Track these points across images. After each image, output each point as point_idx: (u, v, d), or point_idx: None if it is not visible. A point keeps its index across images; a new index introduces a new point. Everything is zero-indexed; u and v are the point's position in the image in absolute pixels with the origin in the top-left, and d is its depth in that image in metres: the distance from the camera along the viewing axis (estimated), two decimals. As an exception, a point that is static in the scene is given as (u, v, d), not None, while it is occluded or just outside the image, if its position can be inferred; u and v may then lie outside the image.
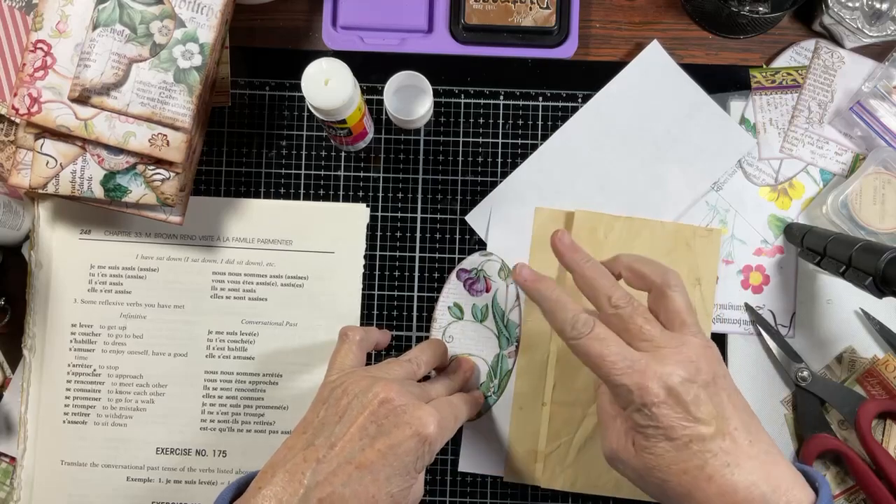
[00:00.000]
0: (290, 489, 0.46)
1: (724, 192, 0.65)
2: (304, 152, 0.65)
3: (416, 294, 0.64)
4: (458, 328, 0.64)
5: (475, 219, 0.65)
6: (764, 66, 0.66)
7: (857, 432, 0.60)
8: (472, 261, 0.64)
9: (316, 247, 0.64)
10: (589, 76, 0.65)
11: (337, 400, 0.49)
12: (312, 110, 0.56)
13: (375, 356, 0.64)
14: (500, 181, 0.65)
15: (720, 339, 0.63)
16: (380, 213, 0.65)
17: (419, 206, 0.65)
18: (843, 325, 0.63)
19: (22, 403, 0.62)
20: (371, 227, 0.65)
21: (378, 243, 0.65)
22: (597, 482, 0.62)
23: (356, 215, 0.65)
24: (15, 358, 0.63)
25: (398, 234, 0.65)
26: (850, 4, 0.62)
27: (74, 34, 0.55)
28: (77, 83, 0.54)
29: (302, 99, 0.65)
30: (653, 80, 0.65)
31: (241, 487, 0.49)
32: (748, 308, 0.64)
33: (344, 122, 0.57)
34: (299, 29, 0.67)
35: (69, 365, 0.63)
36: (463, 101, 0.66)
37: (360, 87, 0.59)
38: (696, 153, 0.64)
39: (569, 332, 0.50)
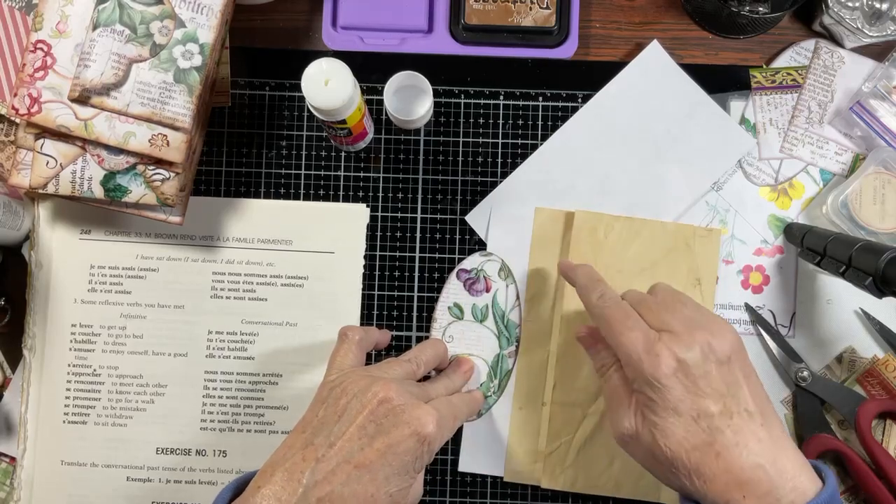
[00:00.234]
0: (289, 488, 0.46)
1: (724, 192, 0.65)
2: (304, 152, 0.65)
3: (416, 294, 0.64)
4: (458, 328, 0.64)
5: (475, 219, 0.65)
6: (764, 66, 0.66)
7: (857, 432, 0.60)
8: (472, 261, 0.64)
9: (316, 247, 0.64)
10: (589, 76, 0.65)
11: (336, 399, 0.49)
12: (312, 110, 0.56)
13: (375, 356, 0.64)
14: (500, 181, 0.65)
15: (720, 339, 0.63)
16: (380, 213, 0.65)
17: (419, 206, 0.65)
18: (843, 325, 0.63)
19: (22, 403, 0.63)
20: (371, 227, 0.65)
21: (378, 243, 0.65)
22: (597, 482, 0.62)
23: (356, 215, 0.65)
24: (15, 358, 0.64)
25: (398, 234, 0.65)
26: (850, 4, 0.62)
27: (74, 34, 0.55)
28: (77, 83, 0.54)
29: (302, 99, 0.65)
30: (653, 80, 0.65)
31: (240, 487, 0.49)
32: (748, 308, 0.64)
33: (344, 122, 0.57)
34: (299, 29, 0.67)
35: (69, 365, 0.63)
36: (463, 101, 0.66)
37: (360, 87, 0.59)
38: (696, 153, 0.64)
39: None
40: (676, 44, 0.66)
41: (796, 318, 0.64)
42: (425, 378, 0.59)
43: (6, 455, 0.63)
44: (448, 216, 0.65)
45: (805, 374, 0.62)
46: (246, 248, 0.64)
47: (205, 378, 0.63)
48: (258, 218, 0.65)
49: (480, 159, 0.65)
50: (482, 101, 0.66)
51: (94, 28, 0.54)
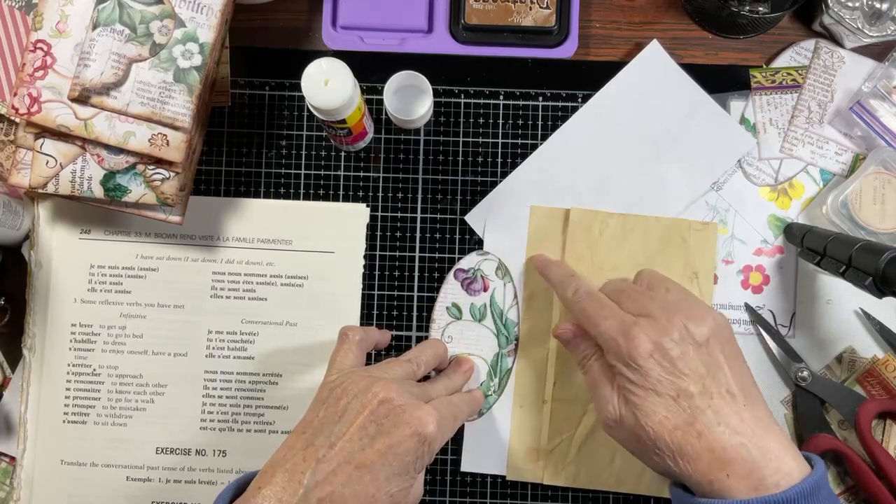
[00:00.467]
0: (290, 489, 0.46)
1: (724, 192, 0.65)
2: (304, 152, 0.65)
3: (415, 294, 0.64)
4: (456, 328, 0.64)
5: (475, 219, 0.65)
6: (764, 66, 0.66)
7: (857, 432, 0.60)
8: (469, 260, 0.64)
9: (316, 247, 0.64)
10: (589, 76, 0.65)
11: (336, 400, 0.49)
12: (312, 110, 0.56)
13: (375, 356, 0.64)
14: (500, 181, 0.65)
15: (720, 339, 0.63)
16: (380, 213, 0.65)
17: (419, 206, 0.65)
18: (843, 325, 0.63)
19: (22, 403, 0.63)
20: (371, 227, 0.65)
21: (378, 243, 0.65)
22: (599, 477, 0.62)
23: (356, 215, 0.65)
24: (15, 358, 0.64)
25: (398, 234, 0.65)
26: (850, 4, 0.62)
27: (74, 34, 0.55)
28: (77, 83, 0.54)
29: (302, 99, 0.65)
30: (652, 79, 0.65)
31: (240, 487, 0.49)
32: (748, 308, 0.64)
33: (344, 122, 0.57)
34: (299, 29, 0.67)
35: (69, 365, 0.63)
36: (463, 101, 0.66)
37: (360, 87, 0.59)
38: (695, 153, 0.64)
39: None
40: (676, 44, 0.66)
41: (796, 318, 0.64)
42: (425, 378, 0.59)
43: (6, 455, 0.63)
44: (448, 216, 0.65)
45: (805, 374, 0.62)
46: (246, 247, 0.64)
47: (205, 378, 0.63)
48: (258, 218, 0.64)
49: (480, 159, 0.65)
50: (482, 101, 0.66)
51: (94, 28, 0.54)
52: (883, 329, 0.62)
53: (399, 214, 0.65)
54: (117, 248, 0.64)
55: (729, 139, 0.64)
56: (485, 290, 0.64)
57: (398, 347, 0.64)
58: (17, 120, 0.57)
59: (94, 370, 0.63)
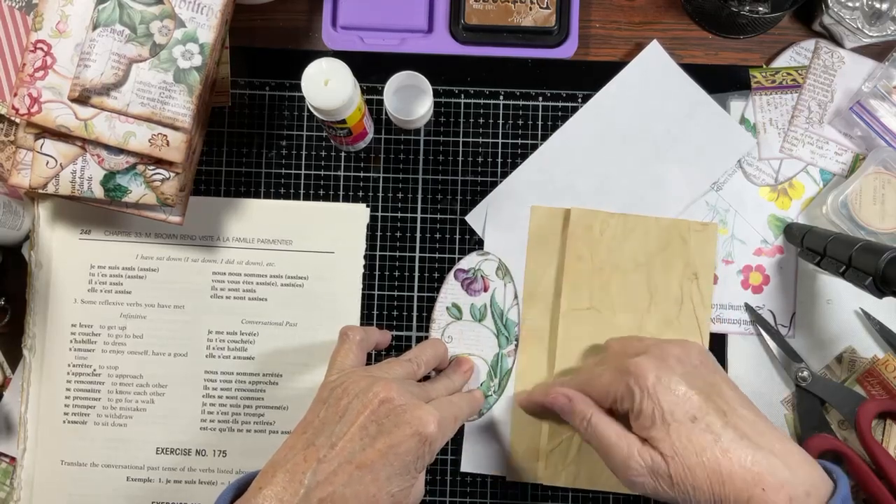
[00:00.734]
0: (291, 489, 0.46)
1: (723, 192, 0.65)
2: (304, 152, 0.65)
3: (416, 294, 0.64)
4: (456, 328, 0.64)
5: (475, 219, 0.65)
6: (764, 66, 0.66)
7: (857, 432, 0.60)
8: (469, 261, 0.64)
9: (316, 247, 0.64)
10: (589, 76, 0.65)
11: (337, 400, 0.49)
12: (312, 110, 0.56)
13: (375, 356, 0.64)
14: (500, 181, 0.65)
15: (720, 339, 0.64)
16: (380, 213, 0.65)
17: (419, 206, 0.65)
18: (843, 325, 0.63)
19: (22, 403, 0.62)
20: (371, 227, 0.65)
21: (378, 243, 0.65)
22: (598, 478, 0.62)
23: (356, 215, 0.65)
24: (15, 358, 0.63)
25: (398, 234, 0.65)
26: (850, 4, 0.62)
27: (74, 34, 0.55)
28: (77, 83, 0.54)
29: (302, 99, 0.65)
30: (652, 80, 0.65)
31: (241, 487, 0.49)
32: (748, 308, 0.64)
33: (344, 122, 0.57)
34: (299, 29, 0.67)
35: (69, 365, 0.63)
36: (463, 101, 0.66)
37: (360, 87, 0.59)
38: (695, 153, 0.64)
39: (578, 425, 0.54)
40: (676, 44, 0.66)
41: (796, 318, 0.64)
42: (425, 378, 0.59)
43: (6, 455, 0.63)
44: (448, 216, 0.65)
45: (805, 374, 0.62)
46: (246, 248, 0.64)
47: (205, 378, 0.63)
48: (258, 218, 0.64)
49: (480, 159, 0.65)
50: (482, 101, 0.66)
51: (94, 28, 0.54)
52: (883, 329, 0.62)
53: (399, 214, 0.65)
54: (117, 249, 0.64)
55: (729, 139, 0.64)
56: (485, 290, 0.64)
57: (398, 347, 0.64)
58: (18, 120, 0.57)
59: (95, 370, 0.63)
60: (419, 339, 0.64)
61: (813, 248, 0.59)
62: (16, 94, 0.54)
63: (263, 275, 0.64)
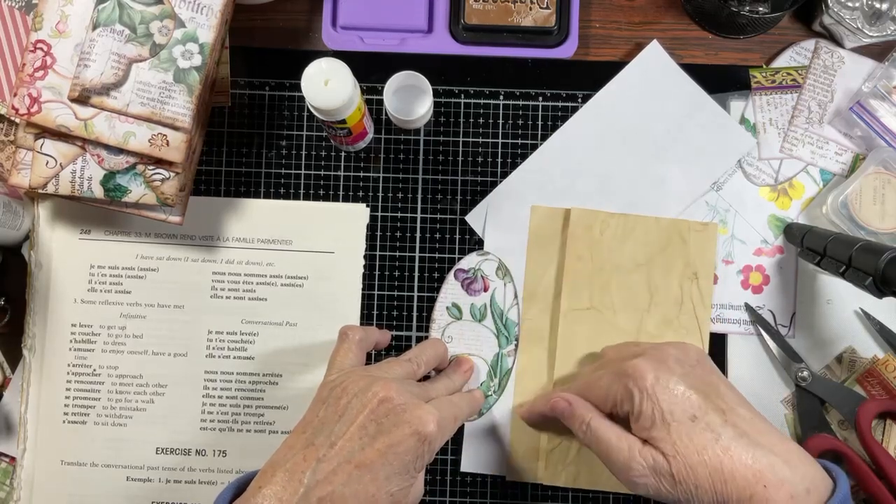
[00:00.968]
0: (290, 488, 0.46)
1: (724, 192, 0.65)
2: (304, 152, 0.65)
3: (415, 294, 0.64)
4: (456, 328, 0.64)
5: (475, 219, 0.65)
6: (764, 66, 0.66)
7: (857, 432, 0.60)
8: (469, 260, 0.64)
9: (316, 247, 0.64)
10: (589, 76, 0.65)
11: (336, 399, 0.49)
12: (312, 110, 0.56)
13: (375, 356, 0.64)
14: (500, 181, 0.65)
15: (720, 339, 0.64)
16: (380, 213, 0.65)
17: (419, 206, 0.65)
18: (843, 325, 0.63)
19: (22, 403, 0.63)
20: (371, 227, 0.65)
21: (378, 243, 0.65)
22: (598, 478, 0.62)
23: (356, 215, 0.65)
24: (15, 358, 0.64)
25: (398, 234, 0.65)
26: (850, 4, 0.62)
27: (74, 34, 0.55)
28: (77, 83, 0.54)
29: (302, 99, 0.65)
30: (652, 79, 0.65)
31: (240, 487, 0.49)
32: (748, 308, 0.64)
33: (344, 122, 0.57)
34: (299, 29, 0.67)
35: (69, 365, 0.63)
36: (463, 101, 0.66)
37: (360, 87, 0.59)
38: (695, 153, 0.64)
39: (578, 429, 0.54)
40: (676, 44, 0.66)
41: (796, 318, 0.64)
42: (425, 378, 0.59)
43: (6, 455, 0.63)
44: (448, 216, 0.65)
45: (805, 374, 0.62)
46: (246, 248, 0.64)
47: (205, 378, 0.63)
48: (258, 218, 0.64)
49: (480, 159, 0.65)
50: (482, 101, 0.66)
51: (94, 28, 0.54)
52: (883, 329, 0.62)
53: (399, 214, 0.65)
54: (117, 249, 0.64)
55: (729, 139, 0.64)
56: (485, 290, 0.64)
57: (398, 347, 0.64)
58: (17, 120, 0.57)
59: (94, 370, 0.63)
60: (419, 339, 0.64)
61: (813, 248, 0.59)
62: (16, 94, 0.55)
63: (263, 275, 0.64)
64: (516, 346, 0.63)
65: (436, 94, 0.64)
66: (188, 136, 0.56)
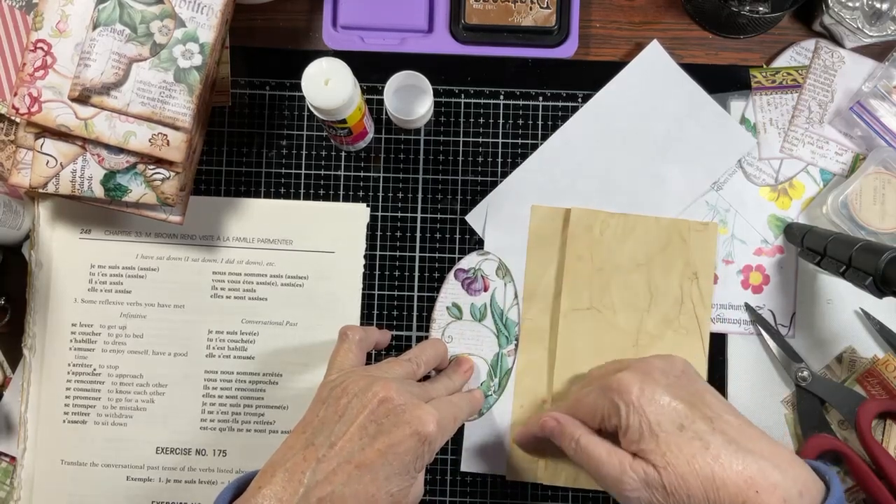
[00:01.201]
0: (290, 488, 0.46)
1: (724, 191, 0.65)
2: (304, 152, 0.65)
3: (416, 294, 0.64)
4: (456, 328, 0.64)
5: (475, 219, 0.65)
6: (764, 66, 0.66)
7: (857, 432, 0.60)
8: (469, 260, 0.64)
9: (316, 247, 0.64)
10: (589, 76, 0.65)
11: (336, 399, 0.49)
12: (312, 110, 0.56)
13: (375, 356, 0.64)
14: (500, 181, 0.65)
15: (720, 339, 0.64)
16: (380, 213, 0.65)
17: (419, 206, 0.65)
18: (843, 325, 0.63)
19: (22, 403, 0.63)
20: (371, 227, 0.65)
21: (378, 243, 0.65)
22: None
23: (356, 215, 0.65)
24: (15, 358, 0.64)
25: (398, 234, 0.65)
26: (850, 4, 0.62)
27: (74, 34, 0.55)
28: (77, 83, 0.54)
29: (302, 99, 0.65)
30: (652, 79, 0.65)
31: (240, 487, 0.49)
32: (748, 308, 0.64)
33: (344, 121, 0.57)
34: (299, 29, 0.67)
35: (69, 364, 0.63)
36: (463, 101, 0.66)
37: (360, 87, 0.59)
38: (695, 152, 0.64)
39: (567, 447, 0.54)
40: (676, 44, 0.66)
41: (796, 318, 0.64)
42: (425, 378, 0.59)
43: (6, 455, 0.63)
44: (448, 216, 0.65)
45: (805, 374, 0.62)
46: (246, 247, 0.64)
47: (205, 378, 0.63)
48: (258, 218, 0.65)
49: (480, 159, 0.65)
50: (482, 101, 0.66)
51: (95, 27, 0.54)
52: (883, 329, 0.62)
53: (399, 214, 0.65)
54: (117, 248, 0.64)
55: (729, 138, 0.64)
56: (485, 289, 0.64)
57: (398, 347, 0.64)
58: (18, 120, 0.57)
59: (95, 370, 0.63)
60: (419, 339, 0.64)
61: (813, 248, 0.59)
62: (16, 94, 0.55)
63: (263, 274, 0.64)
64: (516, 345, 0.63)
65: (436, 93, 0.64)
66: (188, 136, 0.56)
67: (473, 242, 0.65)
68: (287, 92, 0.66)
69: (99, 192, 0.57)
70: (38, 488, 0.62)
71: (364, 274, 0.64)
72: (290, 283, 0.64)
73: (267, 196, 0.65)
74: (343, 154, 0.65)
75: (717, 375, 0.63)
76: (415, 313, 0.64)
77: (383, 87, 0.61)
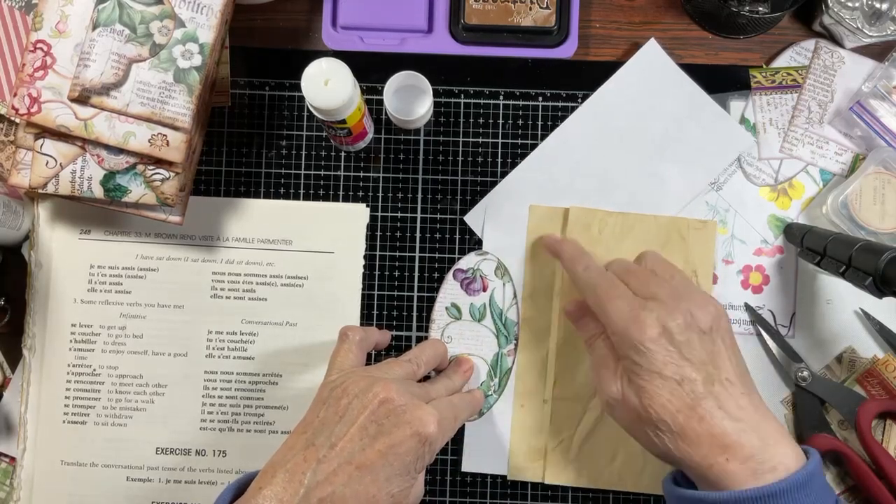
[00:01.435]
0: (291, 489, 0.46)
1: (723, 192, 0.65)
2: (304, 152, 0.65)
3: (415, 294, 0.64)
4: (456, 328, 0.64)
5: (474, 219, 0.65)
6: (764, 66, 0.66)
7: (857, 432, 0.60)
8: (468, 260, 0.64)
9: (316, 247, 0.64)
10: (589, 76, 0.65)
11: (337, 400, 0.49)
12: (312, 110, 0.56)
13: (375, 356, 0.64)
14: (500, 181, 0.65)
15: (720, 339, 0.63)
16: (380, 213, 0.65)
17: (419, 206, 0.65)
18: (843, 325, 0.63)
19: (22, 403, 0.62)
20: (371, 227, 0.65)
21: (378, 243, 0.65)
22: (600, 476, 0.62)
23: (356, 215, 0.65)
24: (15, 358, 0.64)
25: (398, 234, 0.65)
26: (850, 4, 0.62)
27: (74, 34, 0.55)
28: (77, 83, 0.54)
29: (302, 99, 0.65)
30: (650, 78, 0.65)
31: (241, 487, 0.49)
32: (748, 308, 0.64)
33: (344, 122, 0.57)
34: (299, 29, 0.67)
35: (69, 365, 0.63)
36: (463, 101, 0.66)
37: (360, 87, 0.59)
38: (694, 151, 0.64)
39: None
40: (676, 44, 0.66)
41: (796, 318, 0.64)
42: (426, 378, 0.59)
43: (6, 455, 0.63)
44: (448, 216, 0.65)
45: (805, 374, 0.62)
46: (246, 248, 0.64)
47: (205, 378, 0.63)
48: (258, 218, 0.64)
49: (480, 159, 0.65)
50: (482, 101, 0.66)
51: (94, 28, 0.54)
52: (883, 329, 0.62)
53: (399, 214, 0.65)
54: (117, 249, 0.64)
55: (727, 137, 0.64)
56: (484, 289, 0.64)
57: (398, 347, 0.64)
58: (17, 120, 0.57)
59: (94, 370, 0.63)
60: (419, 339, 0.64)
61: (813, 248, 0.59)
62: (16, 94, 0.55)
63: (263, 275, 0.64)
64: (516, 345, 0.63)
65: (436, 94, 0.64)
66: (188, 136, 0.56)
67: (473, 243, 0.65)
68: (287, 92, 0.66)
69: (98, 192, 0.57)
70: (37, 489, 0.62)
71: (364, 274, 0.64)
72: (289, 283, 0.64)
73: (267, 196, 0.65)
74: (343, 154, 0.65)
75: (717, 375, 0.63)
76: (414, 313, 0.64)
77: (383, 88, 0.61)
